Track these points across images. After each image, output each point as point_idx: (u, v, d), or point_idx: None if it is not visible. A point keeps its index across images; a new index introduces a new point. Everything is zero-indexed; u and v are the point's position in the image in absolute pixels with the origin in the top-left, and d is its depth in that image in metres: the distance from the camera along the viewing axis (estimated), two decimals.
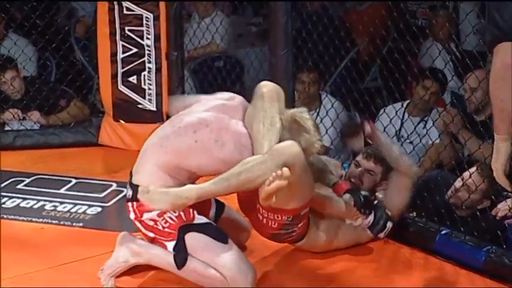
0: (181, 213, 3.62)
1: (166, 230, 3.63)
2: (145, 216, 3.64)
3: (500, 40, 3.17)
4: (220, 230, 3.70)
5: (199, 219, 3.67)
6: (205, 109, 3.75)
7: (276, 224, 3.82)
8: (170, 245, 3.65)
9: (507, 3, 3.20)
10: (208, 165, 3.62)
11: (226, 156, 3.58)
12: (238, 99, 3.82)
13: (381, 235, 4.11)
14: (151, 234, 3.69)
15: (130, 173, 3.76)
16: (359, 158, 4.25)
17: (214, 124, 3.63)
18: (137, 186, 3.65)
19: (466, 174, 4.37)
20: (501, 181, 3.19)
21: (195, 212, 3.67)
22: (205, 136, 3.62)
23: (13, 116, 6.04)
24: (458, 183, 4.41)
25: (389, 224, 4.07)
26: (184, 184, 3.56)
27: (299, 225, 3.87)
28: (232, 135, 3.62)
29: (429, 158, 5.00)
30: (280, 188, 3.42)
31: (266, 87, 3.71)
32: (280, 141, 3.57)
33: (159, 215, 3.62)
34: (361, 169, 4.23)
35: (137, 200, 3.67)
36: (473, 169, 4.35)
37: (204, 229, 3.65)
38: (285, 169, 3.41)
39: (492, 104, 3.18)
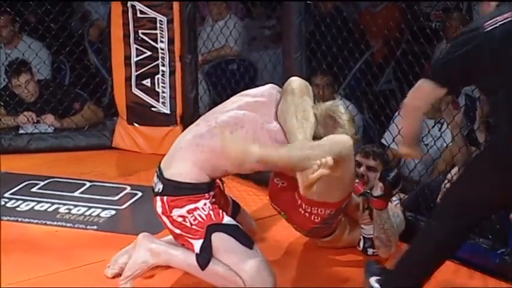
0: (211, 212, 3.63)
1: (194, 227, 3.62)
2: (175, 212, 3.63)
3: (427, 76, 3.41)
4: (247, 235, 3.70)
5: (228, 220, 3.68)
6: (238, 106, 3.80)
7: (319, 218, 3.91)
8: (197, 243, 3.63)
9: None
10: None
11: None
12: (270, 94, 3.88)
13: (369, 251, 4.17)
14: (177, 231, 3.68)
15: (159, 167, 3.75)
16: (358, 157, 4.23)
17: (249, 124, 3.69)
18: (170, 180, 3.66)
19: (449, 176, 4.39)
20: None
21: (224, 213, 3.68)
22: (242, 137, 3.66)
23: (27, 119, 6.06)
24: (446, 185, 4.43)
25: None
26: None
27: (336, 219, 3.99)
28: (267, 133, 3.68)
29: (443, 160, 4.99)
30: (321, 176, 3.50)
31: (295, 82, 3.82)
32: (314, 136, 3.67)
33: (188, 212, 3.62)
34: (363, 167, 4.25)
35: (169, 195, 3.68)
36: (455, 170, 4.39)
37: (232, 231, 3.65)
38: (329, 158, 3.48)
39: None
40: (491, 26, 3.32)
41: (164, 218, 3.70)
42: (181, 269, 3.77)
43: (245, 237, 3.67)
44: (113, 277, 3.90)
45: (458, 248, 3.55)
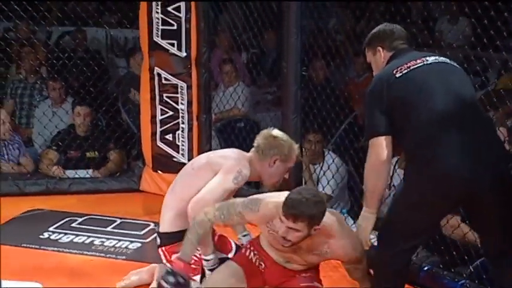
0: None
1: (192, 266, 3.59)
2: (173, 256, 3.58)
3: (374, 135, 3.24)
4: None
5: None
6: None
7: None
8: (197, 278, 3.64)
9: None
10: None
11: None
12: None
13: None
14: None
15: (158, 223, 3.78)
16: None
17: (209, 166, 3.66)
18: (163, 233, 3.69)
19: None
20: (367, 244, 3.39)
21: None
22: (205, 173, 3.63)
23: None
24: None
25: None
26: None
27: None
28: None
29: None
30: None
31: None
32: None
33: None
34: (284, 227, 3.29)
35: (165, 245, 3.69)
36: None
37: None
38: None
39: (365, 184, 3.36)
40: (400, 72, 3.28)
41: (168, 265, 3.67)
42: None
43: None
44: None
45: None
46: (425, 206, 3.21)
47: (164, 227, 3.70)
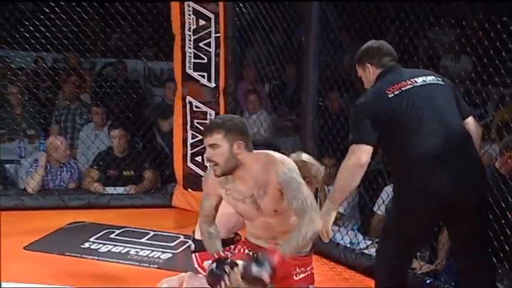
0: None
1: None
2: (205, 263, 3.58)
3: (358, 142, 3.25)
4: None
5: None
6: None
7: None
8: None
9: None
10: None
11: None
12: None
13: None
14: None
15: (193, 231, 3.77)
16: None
17: None
18: (198, 240, 3.62)
19: None
20: (329, 234, 3.33)
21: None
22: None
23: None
24: None
25: None
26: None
27: None
28: None
29: None
30: None
31: None
32: None
33: None
34: (207, 148, 3.11)
35: (198, 251, 3.66)
36: None
37: None
38: None
39: (337, 182, 3.31)
40: (392, 93, 3.28)
41: (200, 270, 3.68)
42: None
43: None
44: None
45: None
46: (414, 219, 3.26)
47: (199, 234, 3.68)
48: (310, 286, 3.35)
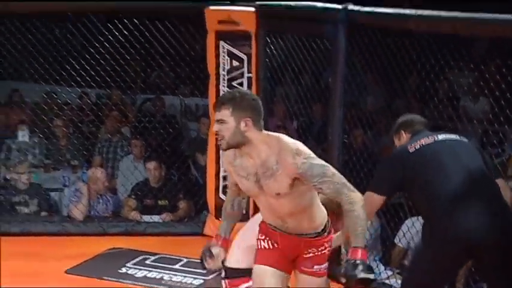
0: None
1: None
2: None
3: (371, 189, 3.39)
4: None
5: None
6: None
7: None
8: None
9: None
10: None
11: None
12: None
13: None
14: None
15: (224, 258, 3.71)
16: None
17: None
18: (229, 268, 3.66)
19: None
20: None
21: None
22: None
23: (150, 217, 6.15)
24: None
25: None
26: None
27: None
28: None
29: None
30: None
31: None
32: None
33: None
34: (214, 122, 3.01)
35: (229, 278, 3.69)
36: None
37: None
38: None
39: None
40: (413, 148, 3.34)
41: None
42: None
43: None
44: None
45: None
46: (440, 263, 3.23)
47: (231, 263, 3.71)
48: (315, 266, 3.28)
